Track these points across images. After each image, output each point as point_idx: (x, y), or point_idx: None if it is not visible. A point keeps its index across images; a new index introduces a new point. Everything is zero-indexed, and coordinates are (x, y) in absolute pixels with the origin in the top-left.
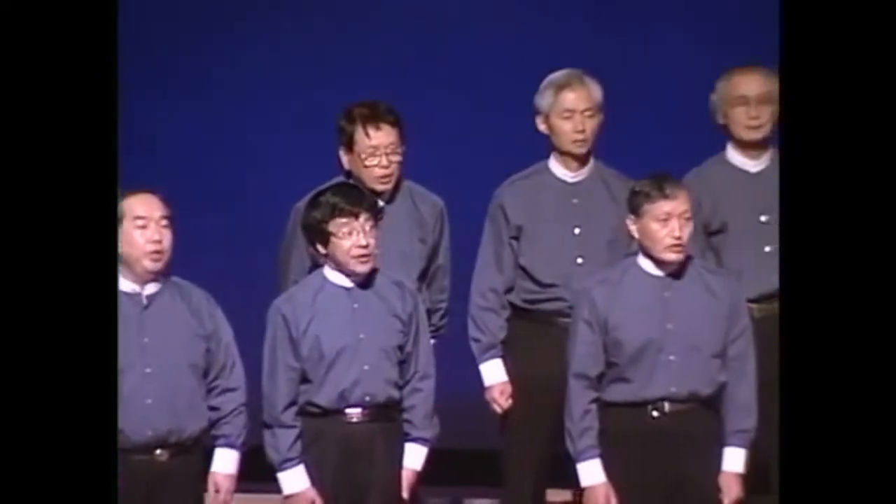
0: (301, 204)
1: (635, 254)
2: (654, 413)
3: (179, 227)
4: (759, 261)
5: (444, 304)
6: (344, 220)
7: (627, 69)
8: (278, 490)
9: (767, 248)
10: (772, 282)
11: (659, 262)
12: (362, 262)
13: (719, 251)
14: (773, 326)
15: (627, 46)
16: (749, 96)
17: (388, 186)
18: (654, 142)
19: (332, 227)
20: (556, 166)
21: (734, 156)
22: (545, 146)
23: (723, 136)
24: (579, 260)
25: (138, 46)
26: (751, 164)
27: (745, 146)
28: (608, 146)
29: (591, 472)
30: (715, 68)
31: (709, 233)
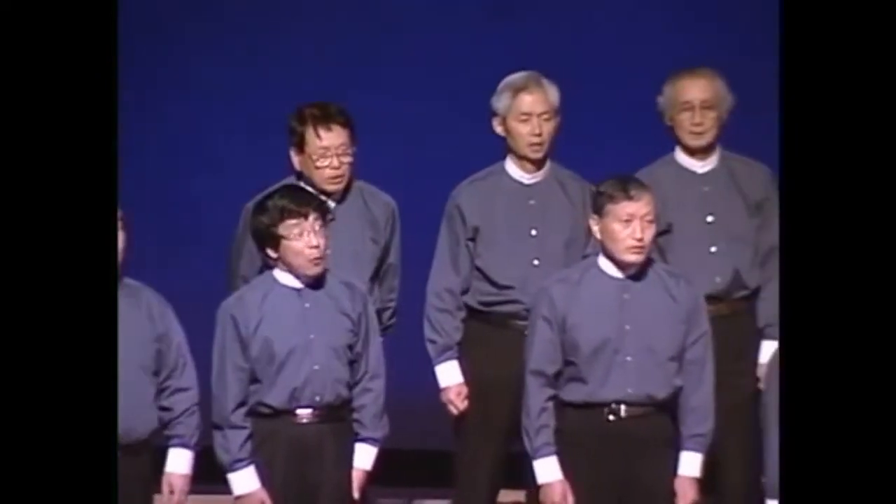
0: (251, 204)
1: (595, 254)
2: (610, 416)
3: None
4: (705, 261)
5: (392, 304)
6: (293, 221)
7: (583, 71)
8: (230, 491)
9: (713, 249)
10: (716, 283)
11: (619, 264)
12: (315, 263)
13: (665, 251)
14: (720, 328)
15: (584, 48)
16: (693, 102)
17: (340, 187)
18: (610, 143)
19: (281, 229)
20: (512, 168)
21: (682, 157)
22: (500, 147)
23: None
24: (535, 262)
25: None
26: (698, 165)
27: (691, 149)
28: (565, 148)
29: (547, 469)
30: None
31: (656, 233)
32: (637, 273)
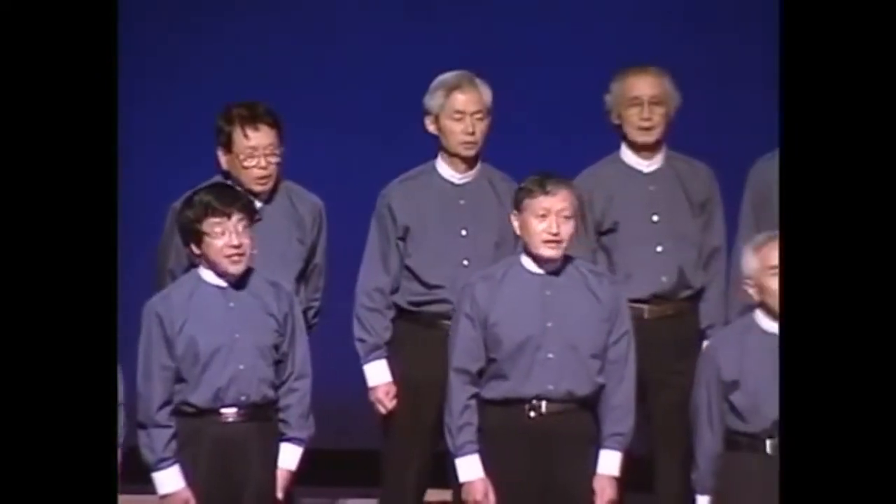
0: (177, 203)
1: (519, 252)
2: (531, 413)
3: None
4: (650, 261)
5: (317, 303)
6: (216, 219)
7: (515, 70)
8: (155, 490)
9: (659, 248)
10: (662, 282)
11: (539, 260)
12: (234, 262)
13: (610, 250)
14: (664, 327)
15: (516, 48)
16: (642, 97)
17: (267, 187)
18: (542, 144)
19: (204, 226)
20: (443, 167)
21: (627, 155)
22: (427, 146)
23: (615, 137)
24: (465, 262)
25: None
26: (644, 164)
27: (638, 146)
28: (496, 148)
29: (469, 468)
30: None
31: (600, 232)
32: (559, 270)
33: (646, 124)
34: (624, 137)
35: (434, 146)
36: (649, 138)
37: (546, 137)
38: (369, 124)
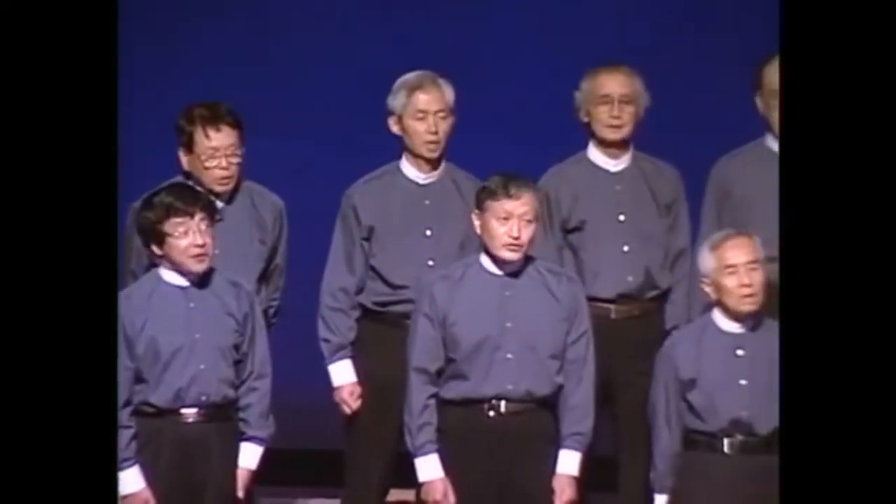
0: (137, 204)
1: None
2: (490, 412)
3: None
4: (617, 260)
5: (276, 303)
6: (179, 219)
7: (478, 70)
8: None
9: (625, 248)
10: (629, 282)
11: (498, 261)
12: (199, 262)
13: (577, 249)
14: (630, 328)
15: (479, 47)
16: (612, 96)
17: (228, 187)
18: (506, 143)
19: (167, 227)
20: (407, 167)
21: (595, 154)
22: (391, 147)
23: (576, 137)
24: (430, 262)
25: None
26: (611, 164)
27: (606, 145)
28: (460, 148)
29: (428, 467)
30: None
31: (567, 230)
32: (518, 271)
33: (615, 122)
34: (592, 135)
35: (396, 147)
36: (618, 136)
37: (509, 137)
38: (331, 125)
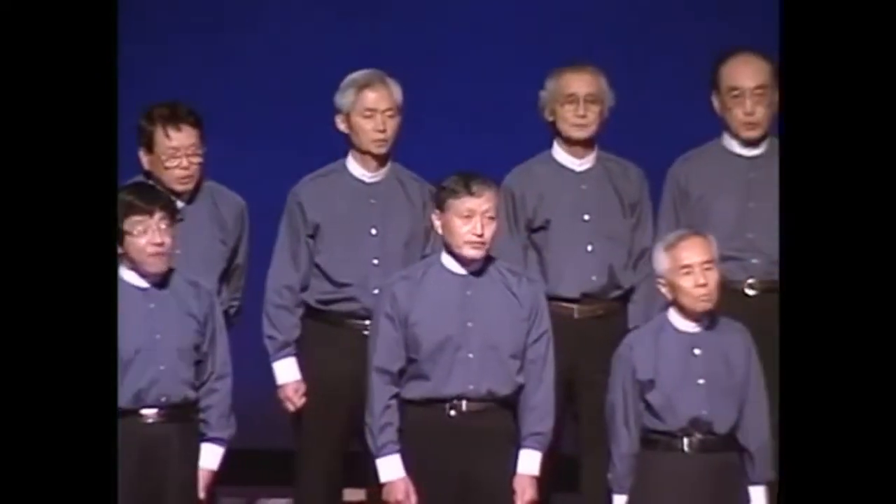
0: None
1: (438, 252)
2: (452, 412)
3: None
4: (581, 260)
5: (237, 303)
6: (138, 218)
7: (426, 70)
8: None
9: (589, 248)
10: (593, 281)
11: (460, 260)
12: (157, 260)
13: (541, 248)
14: (593, 327)
15: (438, 46)
16: (578, 95)
17: (189, 187)
18: (456, 143)
19: (126, 225)
20: (353, 166)
21: (560, 154)
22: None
23: (529, 136)
24: (375, 261)
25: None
26: (576, 163)
27: (571, 144)
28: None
29: (390, 468)
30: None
31: (532, 229)
32: (479, 270)
33: (581, 121)
34: (558, 134)
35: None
36: (583, 134)
37: (457, 137)
38: (293, 124)
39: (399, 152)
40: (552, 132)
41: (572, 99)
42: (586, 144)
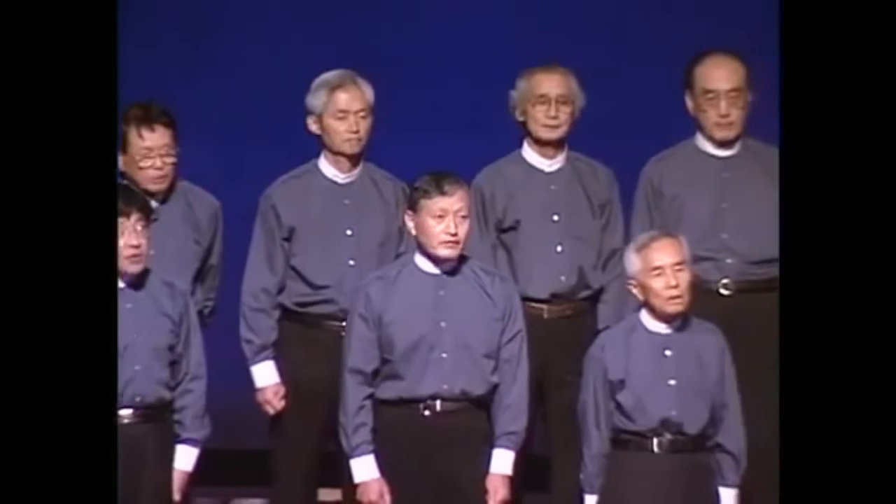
0: None
1: (411, 252)
2: (426, 412)
3: None
4: (550, 260)
5: (211, 303)
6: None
7: (400, 70)
8: None
9: (559, 248)
10: (562, 281)
11: (434, 260)
12: (133, 262)
13: (511, 248)
14: (563, 327)
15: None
16: (549, 95)
17: (163, 187)
18: (429, 142)
19: None
20: (326, 167)
21: (530, 154)
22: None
23: (501, 137)
24: (351, 262)
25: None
26: (546, 164)
27: (542, 144)
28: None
29: (364, 468)
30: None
31: (501, 229)
32: (453, 270)
33: (552, 122)
34: (528, 134)
35: None
36: (554, 135)
37: (429, 137)
38: (266, 125)
39: (372, 152)
40: (523, 132)
41: (543, 100)
42: (556, 145)
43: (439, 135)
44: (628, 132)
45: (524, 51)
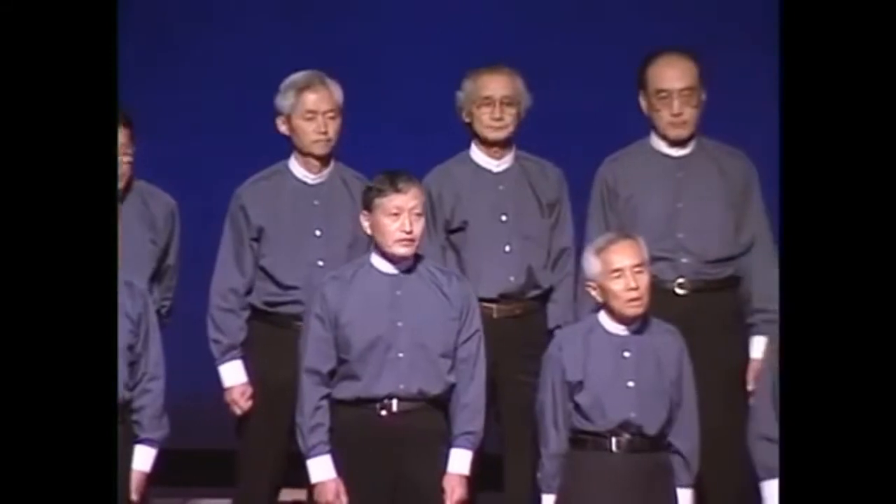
0: None
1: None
2: (383, 412)
3: None
4: (499, 260)
5: (168, 303)
6: None
7: (368, 70)
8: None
9: (507, 248)
10: (510, 281)
11: (390, 259)
12: None
13: (459, 249)
14: (512, 327)
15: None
16: (494, 97)
17: (119, 186)
18: (396, 142)
19: None
20: (296, 167)
21: (477, 154)
22: (283, 144)
23: (465, 136)
24: (320, 262)
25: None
26: (494, 164)
27: (488, 145)
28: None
29: (320, 468)
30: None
31: (449, 230)
32: (409, 270)
33: (497, 124)
34: (475, 135)
35: (286, 145)
36: (499, 136)
37: (398, 136)
38: (222, 123)
39: (342, 151)
40: (469, 133)
41: (488, 101)
42: (503, 145)
43: (409, 134)
44: (581, 131)
45: (490, 48)
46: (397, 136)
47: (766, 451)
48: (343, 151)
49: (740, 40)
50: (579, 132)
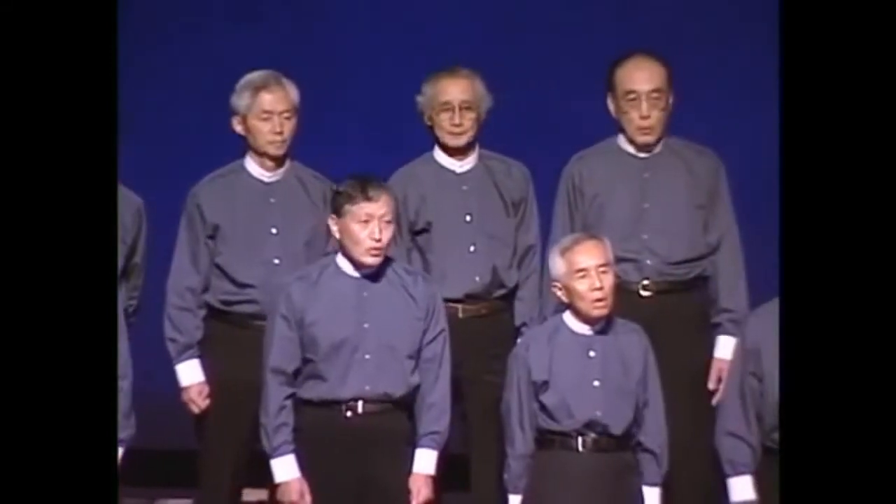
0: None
1: (335, 252)
2: (348, 413)
3: None
4: (464, 260)
5: (135, 301)
6: None
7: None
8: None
9: (472, 248)
10: (476, 281)
11: (357, 263)
12: None
13: (424, 250)
14: (478, 327)
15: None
16: (453, 103)
17: None
18: (356, 142)
19: None
20: (252, 166)
21: (441, 155)
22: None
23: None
24: (276, 260)
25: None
26: (457, 165)
27: (451, 148)
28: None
29: (284, 468)
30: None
31: (414, 232)
32: (376, 271)
33: (457, 129)
34: (436, 139)
35: None
36: (459, 142)
37: (358, 135)
38: (188, 123)
39: (297, 150)
40: (432, 136)
41: (447, 107)
42: (466, 146)
43: (367, 133)
44: (550, 130)
45: (456, 49)
46: (361, 136)
47: (733, 448)
48: (303, 151)
49: (740, 40)
50: (547, 131)
